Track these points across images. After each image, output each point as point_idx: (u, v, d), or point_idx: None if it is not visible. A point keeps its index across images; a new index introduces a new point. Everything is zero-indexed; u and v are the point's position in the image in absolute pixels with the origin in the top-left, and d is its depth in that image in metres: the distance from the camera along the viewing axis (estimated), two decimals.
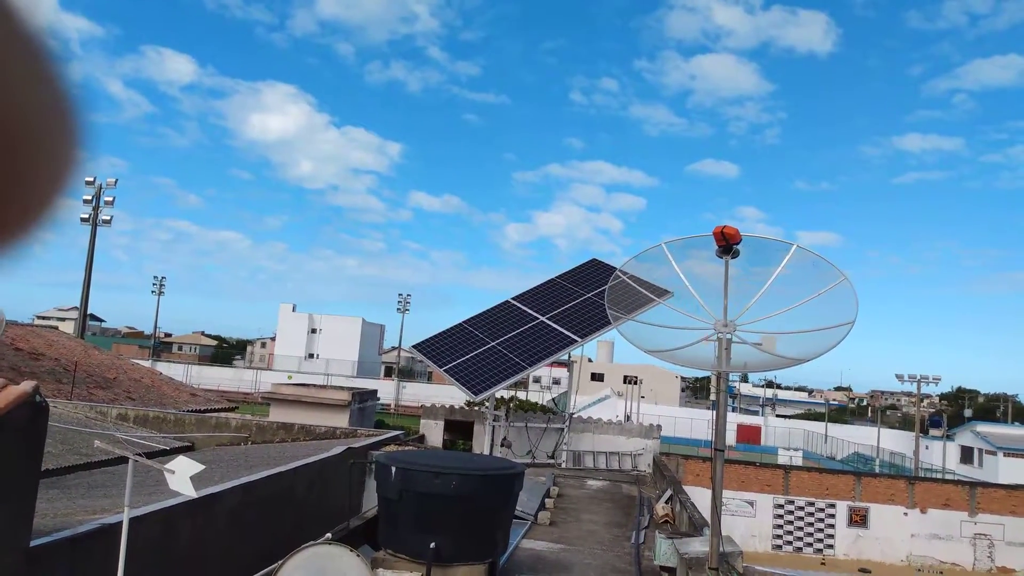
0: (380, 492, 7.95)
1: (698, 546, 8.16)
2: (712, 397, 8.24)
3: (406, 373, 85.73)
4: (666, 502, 12.86)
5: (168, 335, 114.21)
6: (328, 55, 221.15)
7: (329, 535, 7.61)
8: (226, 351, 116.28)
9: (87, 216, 43.04)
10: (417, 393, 69.34)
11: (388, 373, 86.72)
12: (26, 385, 6.27)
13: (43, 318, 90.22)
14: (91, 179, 43.29)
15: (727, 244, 7.63)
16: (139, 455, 6.82)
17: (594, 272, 19.94)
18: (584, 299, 18.60)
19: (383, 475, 7.85)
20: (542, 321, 18.05)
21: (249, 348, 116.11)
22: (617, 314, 8.65)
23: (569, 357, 18.45)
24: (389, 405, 64.84)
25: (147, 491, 10.83)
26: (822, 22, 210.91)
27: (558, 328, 17.62)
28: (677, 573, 8.39)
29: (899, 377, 49.06)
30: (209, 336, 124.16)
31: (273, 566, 6.49)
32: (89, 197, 43.09)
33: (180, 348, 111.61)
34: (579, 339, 17.07)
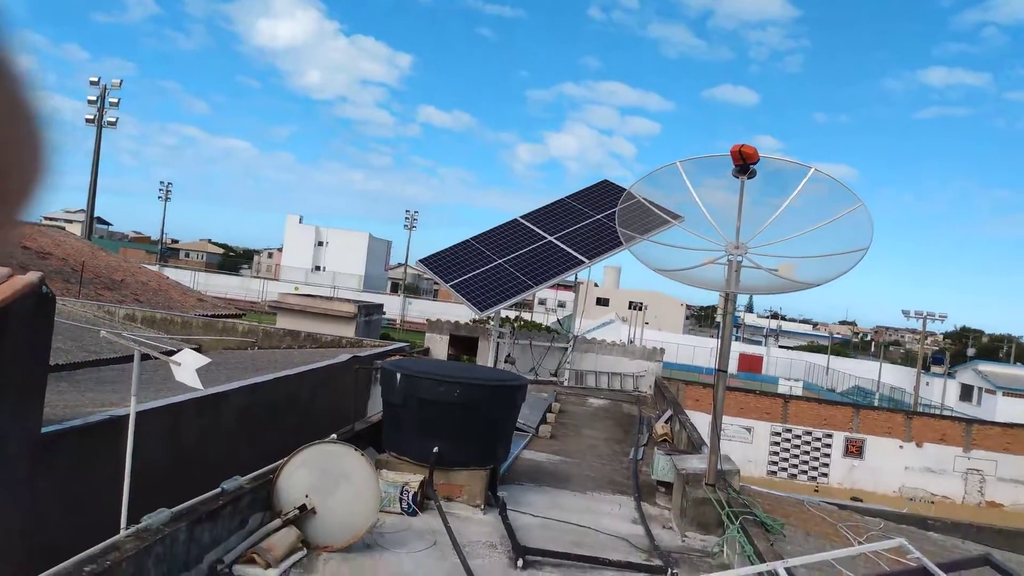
0: (385, 397, 8.05)
1: (696, 463, 8.28)
2: (718, 319, 8.21)
3: (412, 290, 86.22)
4: (665, 422, 13.03)
5: (175, 241, 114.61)
6: None
7: (334, 436, 7.74)
8: (233, 260, 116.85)
9: (92, 117, 42.52)
10: (423, 310, 69.89)
11: (394, 289, 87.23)
12: (32, 275, 6.23)
13: (50, 219, 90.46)
14: (95, 79, 42.60)
15: (744, 163, 7.46)
16: (145, 349, 6.86)
17: (605, 193, 19.69)
18: (593, 220, 18.42)
19: (388, 381, 7.94)
20: (550, 241, 17.93)
21: (256, 258, 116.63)
22: (628, 233, 8.55)
23: (576, 278, 18.42)
24: (395, 320, 65.51)
25: (155, 388, 10.99)
26: None
27: (566, 248, 17.52)
28: (674, 488, 8.55)
29: (905, 313, 49.14)
30: (216, 244, 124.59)
31: (279, 462, 6.62)
32: (94, 98, 42.47)
33: (187, 255, 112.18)
34: (587, 260, 16.99)
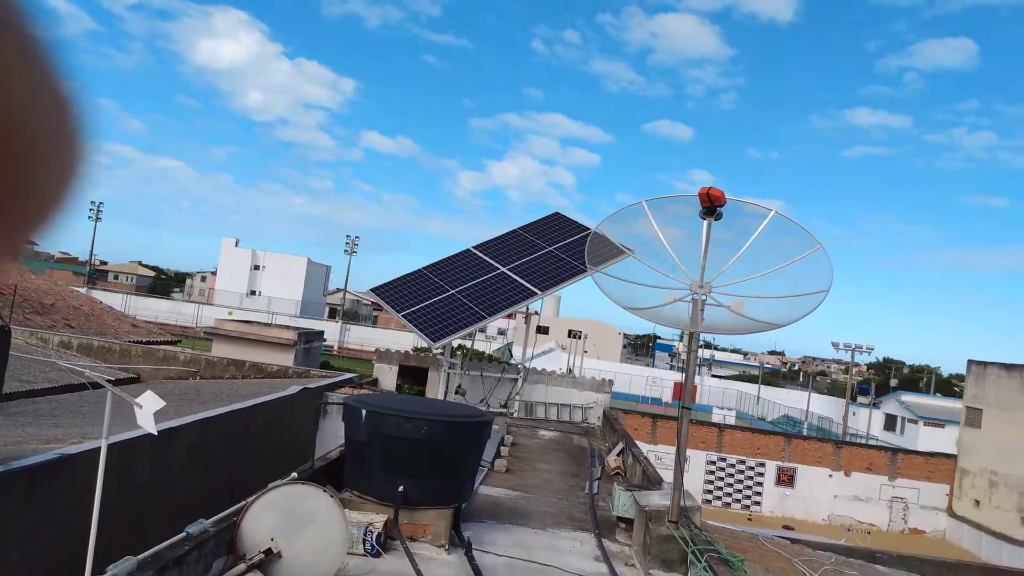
0: (348, 434, 7.88)
1: (658, 499, 8.34)
2: (683, 356, 8.33)
3: (351, 316, 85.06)
4: (618, 455, 13.12)
5: (104, 263, 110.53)
6: None
7: (295, 474, 7.53)
8: (164, 283, 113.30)
9: None
10: (362, 336, 68.97)
11: (332, 315, 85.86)
12: None
13: None
14: None
15: (711, 205, 7.65)
16: (96, 384, 6.54)
17: (557, 225, 19.88)
18: (546, 252, 18.55)
19: (352, 417, 7.78)
20: (502, 272, 17.96)
21: (189, 281, 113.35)
22: (595, 270, 8.64)
23: (527, 310, 18.48)
24: (332, 347, 64.35)
25: (91, 422, 10.51)
26: None
27: (518, 280, 17.57)
28: (635, 524, 8.58)
29: (835, 345, 50.74)
30: (147, 266, 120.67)
31: (243, 503, 6.39)
32: None
33: (116, 277, 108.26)
34: (539, 292, 17.06)
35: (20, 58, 0.45)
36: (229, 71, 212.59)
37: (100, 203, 74.82)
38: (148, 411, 5.81)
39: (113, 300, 54.58)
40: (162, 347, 18.10)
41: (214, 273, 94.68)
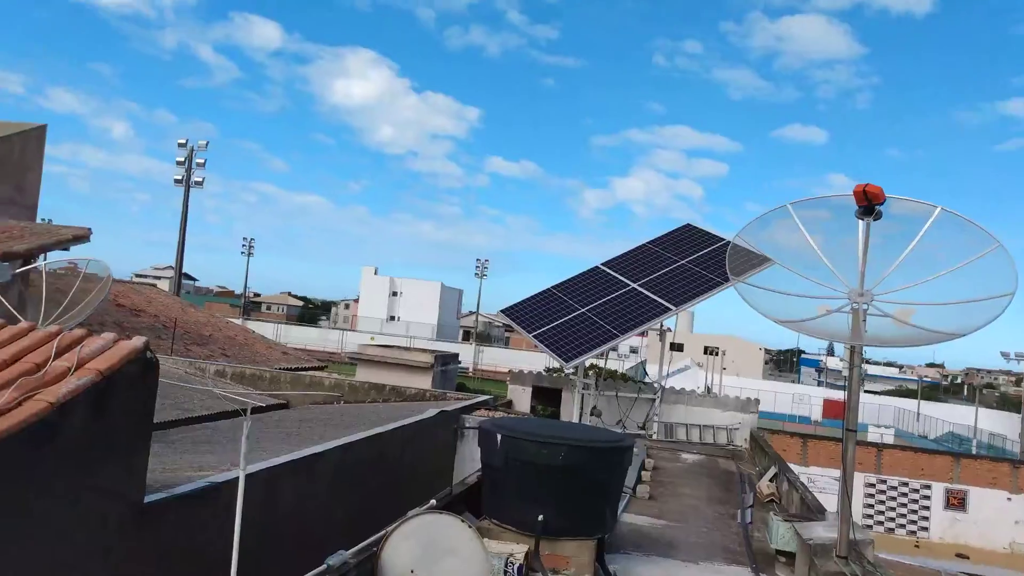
0: (484, 459, 7.67)
1: (822, 531, 7.61)
2: (844, 373, 7.56)
3: (483, 337, 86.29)
4: (771, 480, 12.26)
5: (257, 295, 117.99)
6: (409, 20, 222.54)
7: (434, 501, 7.40)
8: (312, 311, 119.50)
9: (180, 178, 44.26)
10: (495, 358, 69.75)
11: (466, 337, 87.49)
12: (137, 340, 6.10)
13: (140, 276, 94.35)
14: (183, 141, 44.47)
15: (869, 204, 6.93)
16: (254, 410, 6.65)
17: (688, 237, 19.15)
18: (678, 266, 17.87)
19: (488, 442, 7.56)
20: (633, 288, 17.44)
21: (334, 309, 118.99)
22: (738, 280, 8.06)
23: (661, 326, 17.82)
24: (467, 369, 65.41)
25: (248, 446, 10.89)
26: None
27: (650, 295, 16.99)
28: (797, 559, 7.86)
29: (1005, 355, 46.30)
30: (296, 296, 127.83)
31: (381, 533, 6.29)
32: (182, 159, 44.27)
33: (268, 308, 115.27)
34: (673, 307, 16.41)
35: None
36: (361, 108, 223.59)
37: (251, 239, 80.00)
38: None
39: (265, 330, 57.95)
40: (308, 373, 18.81)
41: (356, 301, 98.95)
